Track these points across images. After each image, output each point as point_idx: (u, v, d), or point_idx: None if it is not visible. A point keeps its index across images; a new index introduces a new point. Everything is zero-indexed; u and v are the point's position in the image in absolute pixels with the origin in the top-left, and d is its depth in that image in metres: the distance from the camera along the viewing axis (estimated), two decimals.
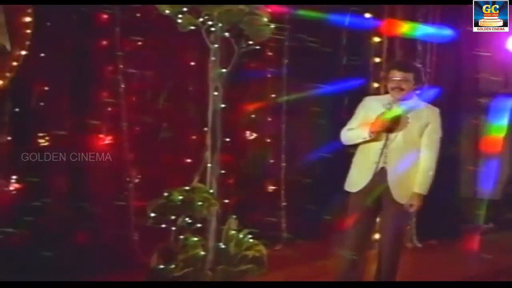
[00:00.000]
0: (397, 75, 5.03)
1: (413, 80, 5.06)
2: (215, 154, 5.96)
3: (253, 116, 7.12)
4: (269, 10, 5.88)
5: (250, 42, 5.88)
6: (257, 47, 6.23)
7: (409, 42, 7.64)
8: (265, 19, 6.11)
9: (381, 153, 5.02)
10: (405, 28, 7.46)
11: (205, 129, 6.00)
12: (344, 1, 7.21)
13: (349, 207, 5.15)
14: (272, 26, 6.21)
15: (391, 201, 5.02)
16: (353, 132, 5.14)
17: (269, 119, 7.40)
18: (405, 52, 7.57)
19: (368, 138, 5.01)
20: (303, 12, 6.58)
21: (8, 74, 4.85)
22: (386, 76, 5.21)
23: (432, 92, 7.57)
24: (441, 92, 7.83)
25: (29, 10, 4.93)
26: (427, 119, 5.15)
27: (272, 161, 7.44)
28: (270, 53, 6.91)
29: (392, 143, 5.02)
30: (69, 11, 5.50)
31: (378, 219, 5.35)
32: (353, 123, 5.19)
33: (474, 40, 8.19)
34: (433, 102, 7.51)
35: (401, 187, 5.04)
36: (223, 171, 6.00)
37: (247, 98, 6.75)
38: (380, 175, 5.01)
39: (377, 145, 5.02)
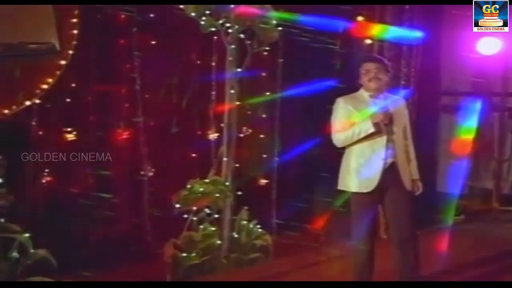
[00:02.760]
0: (372, 66, 5.14)
1: (384, 71, 5.17)
2: (231, 148, 6.31)
3: (249, 112, 7.29)
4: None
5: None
6: (267, 48, 6.61)
7: (397, 44, 8.00)
8: (274, 22, 6.51)
9: (387, 148, 5.09)
10: (390, 30, 7.82)
11: (222, 125, 6.35)
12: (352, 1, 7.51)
13: (356, 206, 5.17)
14: (280, 28, 6.63)
15: (404, 192, 5.15)
16: (351, 130, 5.09)
17: (264, 115, 7.60)
18: (393, 54, 7.92)
19: (372, 130, 5.03)
20: (277, 14, 6.63)
21: (57, 72, 5.06)
22: (360, 72, 5.20)
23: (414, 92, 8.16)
24: (422, 92, 8.37)
25: (76, 12, 5.13)
26: (406, 110, 5.39)
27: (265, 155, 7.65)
28: (265, 53, 7.07)
29: (393, 136, 5.12)
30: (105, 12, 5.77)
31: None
32: (339, 125, 5.18)
33: (454, 42, 8.60)
34: (415, 101, 8.17)
35: (407, 177, 5.20)
36: (237, 165, 6.36)
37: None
38: (391, 170, 5.10)
39: (380, 140, 5.09)
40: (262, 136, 7.55)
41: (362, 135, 5.09)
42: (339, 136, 5.17)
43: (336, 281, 5.70)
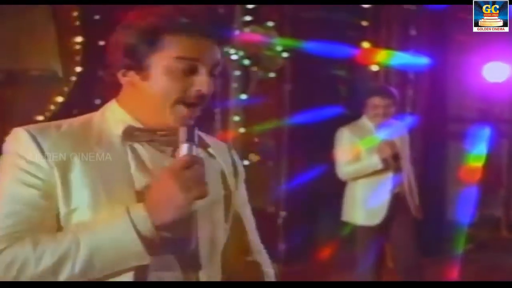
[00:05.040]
0: (380, 102, 5.05)
1: (393, 105, 5.11)
2: None
3: (256, 140, 7.21)
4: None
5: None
6: (272, 75, 6.56)
7: (403, 71, 7.96)
8: (279, 49, 6.47)
9: (394, 179, 5.03)
10: (394, 56, 7.80)
11: None
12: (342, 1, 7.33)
13: (363, 238, 5.13)
14: (286, 55, 6.58)
15: (409, 220, 5.13)
16: (358, 164, 5.05)
17: (270, 143, 7.52)
18: (400, 80, 7.87)
19: (381, 167, 4.94)
20: (283, 40, 6.69)
21: (60, 99, 5.03)
22: (367, 103, 5.13)
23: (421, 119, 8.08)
24: (429, 118, 8.29)
25: (79, 39, 5.11)
26: (407, 139, 5.33)
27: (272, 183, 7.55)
28: (271, 79, 7.00)
29: (398, 166, 5.06)
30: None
31: None
32: (345, 157, 5.11)
33: (461, 69, 8.56)
34: (421, 128, 8.08)
35: (412, 204, 5.15)
36: None
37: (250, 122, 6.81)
38: (397, 200, 5.05)
39: (386, 172, 5.03)
40: (268, 163, 7.47)
41: (370, 171, 5.00)
42: (345, 169, 5.10)
43: (337, 281, 5.61)
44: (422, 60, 7.91)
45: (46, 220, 1.71)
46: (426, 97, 8.26)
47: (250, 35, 6.16)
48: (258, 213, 6.22)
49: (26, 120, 5.02)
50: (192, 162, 1.69)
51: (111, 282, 1.67)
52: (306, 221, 7.66)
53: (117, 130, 1.82)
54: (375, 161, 4.96)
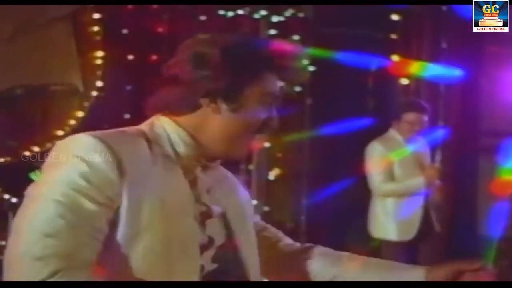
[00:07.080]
0: (417, 118, 5.13)
1: (427, 121, 5.20)
2: (261, 191, 6.14)
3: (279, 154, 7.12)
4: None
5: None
6: (298, 89, 6.45)
7: (435, 83, 7.82)
8: (306, 61, 6.35)
9: (426, 195, 5.10)
10: (425, 68, 7.66)
11: (250, 166, 6.19)
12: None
13: (395, 256, 4.98)
14: (312, 68, 6.46)
15: (435, 235, 5.25)
16: (401, 185, 5.06)
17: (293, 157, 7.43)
18: (431, 94, 7.73)
19: (423, 188, 5.02)
20: (315, 51, 6.59)
21: (80, 114, 5.02)
22: (401, 118, 5.19)
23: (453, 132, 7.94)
24: (462, 132, 8.15)
25: (100, 54, 5.09)
26: (428, 155, 5.42)
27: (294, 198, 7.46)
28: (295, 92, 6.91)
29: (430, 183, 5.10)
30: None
31: None
32: (380, 172, 5.11)
33: (494, 80, 8.40)
34: (453, 141, 7.93)
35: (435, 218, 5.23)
36: (267, 208, 6.18)
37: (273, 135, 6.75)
38: (426, 213, 5.12)
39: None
40: (291, 178, 7.39)
41: (412, 192, 5.04)
42: (384, 188, 5.09)
43: (337, 281, 5.52)
44: (454, 72, 7.78)
45: (94, 243, 1.57)
46: (458, 110, 8.13)
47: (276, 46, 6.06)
48: (280, 229, 6.15)
49: (46, 135, 5.04)
50: None
51: (111, 282, 1.56)
52: (330, 236, 7.56)
53: (180, 150, 1.80)
54: (420, 185, 5.00)
